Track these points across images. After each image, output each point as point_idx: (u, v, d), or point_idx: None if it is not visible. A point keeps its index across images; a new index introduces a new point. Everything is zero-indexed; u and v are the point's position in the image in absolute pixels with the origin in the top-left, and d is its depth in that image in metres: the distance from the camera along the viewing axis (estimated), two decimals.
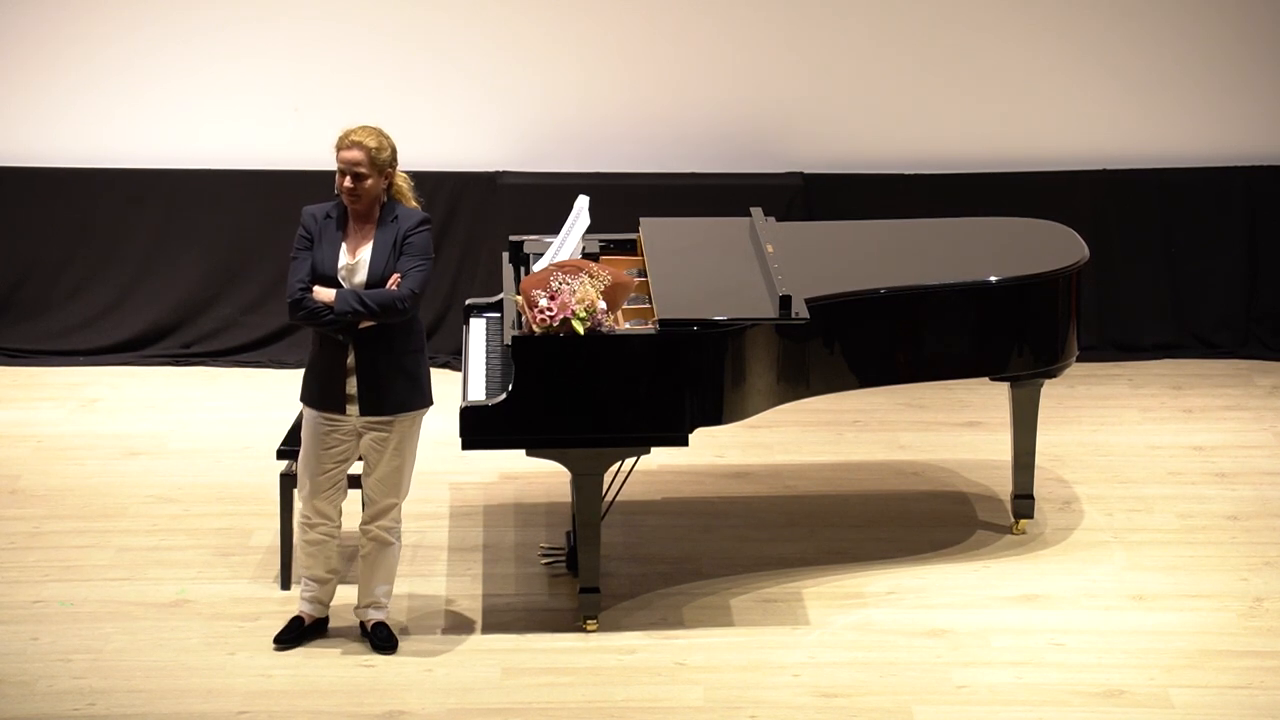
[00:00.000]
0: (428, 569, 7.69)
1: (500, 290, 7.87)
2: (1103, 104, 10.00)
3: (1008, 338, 7.66)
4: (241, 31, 9.75)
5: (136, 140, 9.87)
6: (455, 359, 9.76)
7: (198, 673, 6.90)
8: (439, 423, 8.87)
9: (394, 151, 6.88)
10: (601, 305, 6.94)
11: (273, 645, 7.05)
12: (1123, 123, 10.03)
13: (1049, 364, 7.75)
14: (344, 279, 6.84)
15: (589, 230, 7.61)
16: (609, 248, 7.91)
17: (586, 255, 7.68)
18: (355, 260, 6.86)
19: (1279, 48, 9.99)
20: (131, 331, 9.95)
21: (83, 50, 9.76)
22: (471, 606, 7.40)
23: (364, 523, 7.07)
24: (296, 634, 7.09)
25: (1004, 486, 8.35)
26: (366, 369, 6.85)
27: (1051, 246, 7.95)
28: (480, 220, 9.91)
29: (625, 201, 9.26)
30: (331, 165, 6.86)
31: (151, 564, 7.71)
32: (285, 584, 7.44)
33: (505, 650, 7.07)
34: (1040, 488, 8.25)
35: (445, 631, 7.21)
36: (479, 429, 7.00)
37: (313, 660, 7.00)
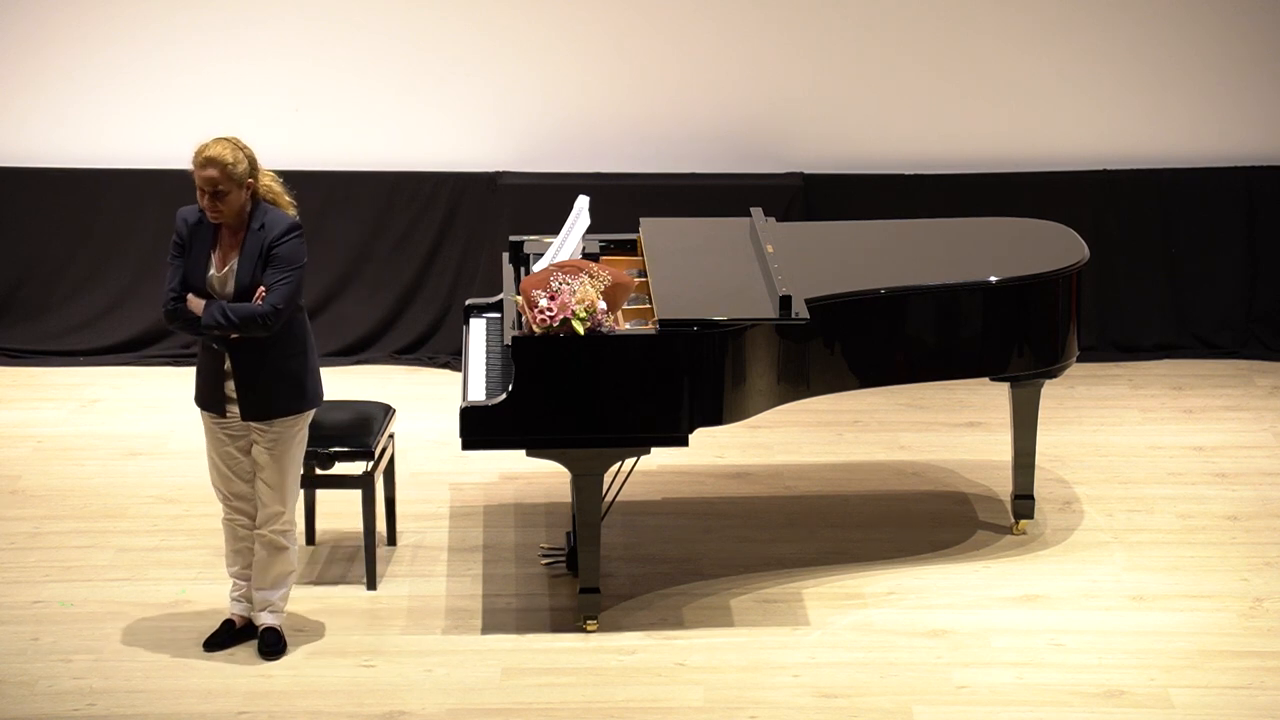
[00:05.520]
0: (428, 569, 7.69)
1: (500, 290, 7.86)
2: (1103, 104, 9.99)
3: (1008, 338, 7.65)
4: (241, 31, 9.75)
5: (136, 140, 9.87)
6: (455, 359, 9.76)
7: (198, 673, 6.90)
8: (439, 423, 8.89)
9: (251, 161, 6.70)
10: (601, 305, 6.94)
11: (202, 649, 7.02)
12: (1123, 123, 10.03)
13: (1049, 364, 7.74)
14: (214, 290, 6.75)
15: (589, 230, 7.60)
16: (609, 248, 7.91)
17: (586, 255, 7.68)
18: (224, 271, 6.76)
19: (1279, 48, 9.98)
20: (131, 332, 9.94)
21: (83, 51, 9.76)
22: (471, 606, 7.39)
23: (257, 526, 7.00)
24: (227, 637, 7.05)
25: (1004, 486, 8.35)
26: (244, 374, 6.78)
27: (1051, 246, 7.95)
28: (480, 220, 9.91)
29: (625, 201, 9.27)
30: (335, 166, 6.85)
31: (151, 564, 7.71)
32: None
33: (505, 650, 7.07)
34: (1040, 488, 8.25)
35: (445, 631, 7.21)
36: (479, 429, 6.99)
37: (313, 660, 7.00)
